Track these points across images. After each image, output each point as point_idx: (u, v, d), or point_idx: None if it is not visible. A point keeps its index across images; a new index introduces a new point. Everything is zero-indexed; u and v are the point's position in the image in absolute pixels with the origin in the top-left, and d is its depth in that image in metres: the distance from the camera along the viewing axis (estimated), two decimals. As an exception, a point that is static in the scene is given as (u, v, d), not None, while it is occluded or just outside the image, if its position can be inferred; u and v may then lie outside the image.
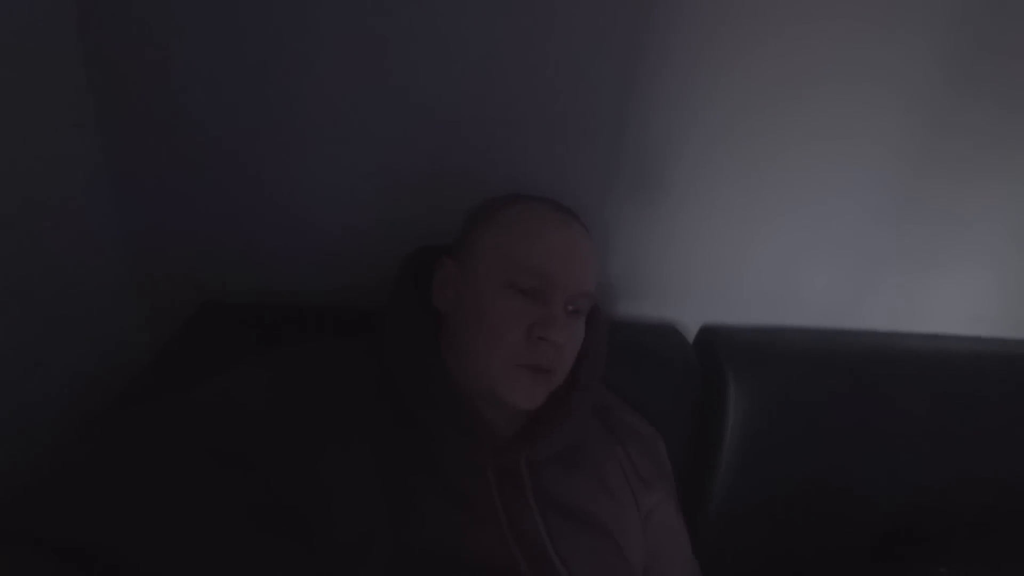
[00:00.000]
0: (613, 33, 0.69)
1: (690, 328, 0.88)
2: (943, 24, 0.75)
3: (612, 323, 0.66)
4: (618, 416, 0.65)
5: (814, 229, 0.85)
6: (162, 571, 0.40)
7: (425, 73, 0.68)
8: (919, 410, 0.83)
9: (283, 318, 0.69)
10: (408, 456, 0.50)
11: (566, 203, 0.59)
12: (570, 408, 0.56)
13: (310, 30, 0.64)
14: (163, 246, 0.73)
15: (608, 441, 0.61)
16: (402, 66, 0.67)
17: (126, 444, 0.45)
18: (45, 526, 0.39)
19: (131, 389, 0.61)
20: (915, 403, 0.83)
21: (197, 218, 0.72)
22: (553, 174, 0.75)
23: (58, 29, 0.60)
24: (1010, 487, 0.90)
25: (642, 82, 0.72)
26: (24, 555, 0.37)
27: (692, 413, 0.77)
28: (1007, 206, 0.89)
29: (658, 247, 0.82)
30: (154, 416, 0.47)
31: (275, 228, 0.73)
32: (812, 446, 0.80)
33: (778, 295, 0.88)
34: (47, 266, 0.61)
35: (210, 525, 0.42)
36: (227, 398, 0.48)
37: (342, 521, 0.45)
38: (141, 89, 0.65)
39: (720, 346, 0.80)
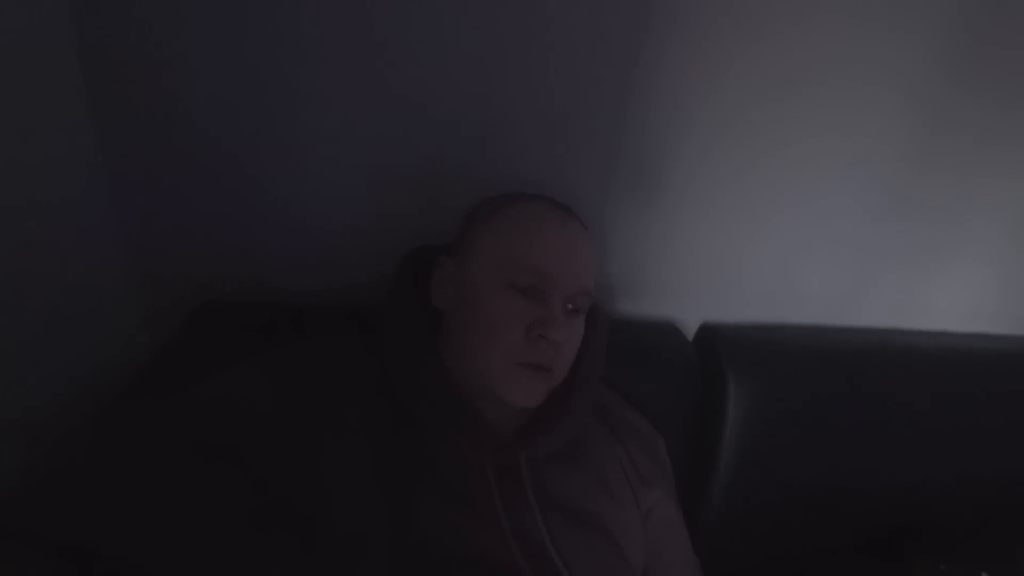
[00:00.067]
0: (611, 32, 0.69)
1: (690, 326, 0.88)
2: (941, 20, 0.75)
3: (612, 321, 0.66)
4: (618, 414, 0.65)
5: (813, 226, 0.85)
6: (162, 570, 0.40)
7: (424, 73, 0.68)
8: (918, 406, 0.84)
9: (282, 317, 0.69)
10: (407, 455, 0.50)
11: (565, 201, 0.59)
12: (570, 406, 0.56)
13: (309, 29, 0.64)
14: (162, 245, 0.73)
15: (608, 439, 0.61)
16: (401, 66, 0.67)
17: (126, 443, 0.45)
18: (46, 525, 0.39)
19: (131, 388, 0.61)
20: (914, 399, 0.83)
21: (196, 217, 0.72)
22: (552, 173, 0.75)
23: (55, 28, 0.60)
24: (1009, 483, 0.90)
25: (641, 80, 0.72)
26: (25, 554, 0.37)
27: (692, 411, 0.77)
28: (1006, 203, 0.90)
29: (657, 245, 0.82)
30: (154, 415, 0.47)
31: (274, 227, 0.73)
32: (812, 443, 0.80)
33: (777, 292, 0.88)
34: (46, 266, 0.61)
35: (210, 524, 0.42)
36: (226, 397, 0.48)
37: (341, 520, 0.45)
38: (139, 88, 0.65)
39: (720, 344, 0.80)
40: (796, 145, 0.79)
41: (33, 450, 0.57)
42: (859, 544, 0.86)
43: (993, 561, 0.76)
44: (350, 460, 0.48)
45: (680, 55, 0.71)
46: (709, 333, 0.84)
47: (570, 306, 0.53)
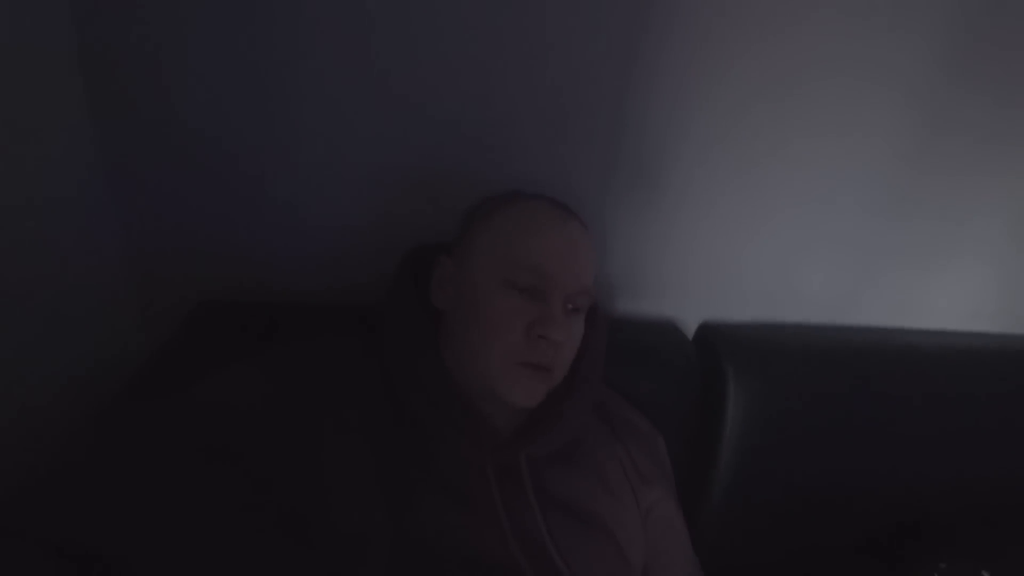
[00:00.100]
0: (611, 31, 0.69)
1: (689, 325, 0.88)
2: (941, 20, 0.75)
3: (611, 320, 0.66)
4: (618, 413, 0.65)
5: (813, 225, 0.85)
6: (162, 571, 0.40)
7: (424, 73, 0.68)
8: (918, 405, 0.84)
9: (281, 317, 0.69)
10: (407, 454, 0.50)
11: (565, 201, 0.59)
12: (569, 406, 0.56)
13: (307, 28, 0.64)
14: (160, 245, 0.72)
15: (608, 438, 0.61)
16: (401, 66, 0.67)
17: (126, 444, 0.45)
18: (45, 525, 0.39)
19: (129, 388, 0.61)
20: (914, 398, 0.84)
21: (194, 217, 0.71)
22: (552, 172, 0.75)
23: (55, 28, 0.60)
24: (1010, 482, 0.90)
25: (640, 80, 0.72)
26: (25, 554, 0.37)
27: (692, 410, 0.77)
28: (1005, 202, 0.90)
29: (657, 244, 0.82)
30: (153, 415, 0.47)
31: (273, 227, 0.73)
32: (811, 441, 0.80)
33: (777, 291, 0.88)
34: (44, 266, 0.61)
35: (209, 525, 0.42)
36: (226, 397, 0.48)
37: (341, 519, 0.45)
38: (139, 88, 0.65)
39: (719, 343, 0.80)
40: (796, 144, 0.79)
41: (32, 450, 0.57)
42: (859, 543, 0.86)
43: (993, 560, 0.76)
44: (350, 459, 0.48)
45: (679, 55, 0.71)
46: (709, 332, 0.84)
47: (570, 305, 0.53)
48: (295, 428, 0.47)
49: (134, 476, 0.42)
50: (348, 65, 0.66)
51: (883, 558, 0.83)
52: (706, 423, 0.78)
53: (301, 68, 0.66)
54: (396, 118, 0.70)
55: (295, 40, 0.65)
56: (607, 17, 0.68)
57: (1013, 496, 0.90)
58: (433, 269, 0.57)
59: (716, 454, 0.78)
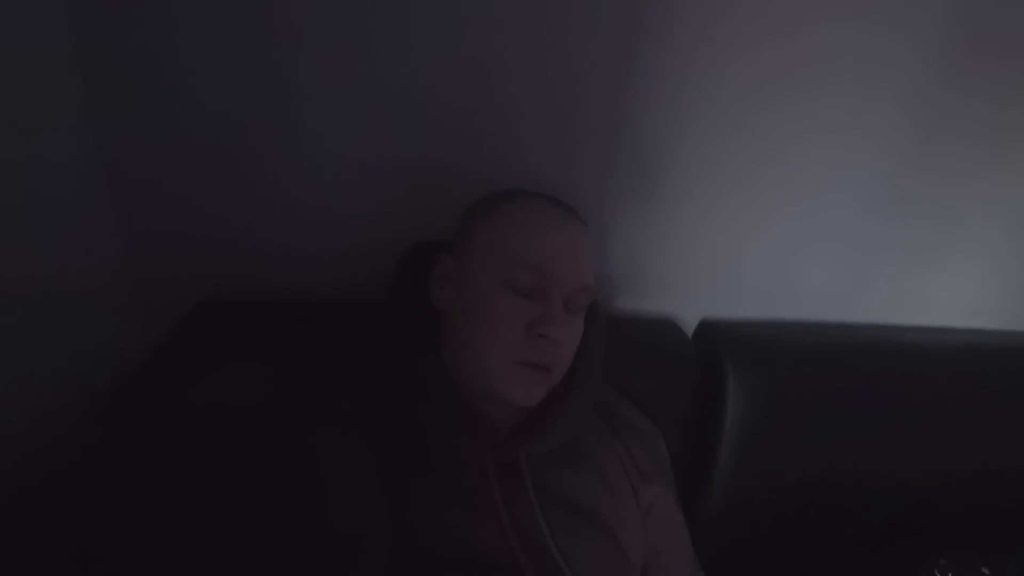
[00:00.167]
0: (608, 30, 0.69)
1: (689, 322, 0.88)
2: (940, 17, 0.75)
3: (611, 318, 0.66)
4: (617, 411, 0.65)
5: (812, 223, 0.85)
6: (162, 571, 0.40)
7: (422, 70, 0.68)
8: (918, 402, 0.84)
9: (281, 316, 0.69)
10: (407, 452, 0.50)
11: (564, 199, 0.58)
12: (569, 404, 0.56)
13: (305, 27, 0.64)
14: (159, 245, 0.72)
15: (607, 436, 0.61)
16: (401, 65, 0.67)
17: (125, 443, 0.45)
18: (45, 526, 0.39)
19: (129, 388, 0.61)
20: (914, 395, 0.84)
21: (193, 217, 0.71)
22: (551, 171, 0.75)
23: (53, 28, 0.60)
24: (1010, 478, 0.90)
25: (638, 78, 0.72)
26: (25, 554, 0.37)
27: (691, 407, 0.77)
28: (1005, 199, 0.89)
29: (656, 242, 0.82)
30: (153, 415, 0.47)
31: (272, 226, 0.73)
32: (811, 439, 0.80)
33: (776, 289, 0.88)
34: (44, 266, 0.61)
35: (210, 524, 0.42)
36: (226, 395, 0.48)
37: (341, 517, 0.45)
38: (138, 88, 0.65)
39: (719, 340, 0.80)
40: (794, 141, 0.79)
41: (32, 450, 0.57)
42: (859, 539, 0.86)
43: (993, 556, 0.76)
44: (349, 457, 0.48)
45: (677, 52, 0.71)
46: (708, 329, 0.84)
47: (571, 305, 0.53)
48: (294, 425, 0.47)
49: (134, 476, 0.42)
50: (347, 64, 0.66)
51: (883, 554, 0.83)
52: (706, 420, 0.78)
53: (300, 68, 0.66)
54: (395, 117, 0.69)
55: (295, 40, 0.65)
56: (605, 17, 0.68)
57: (1013, 492, 0.90)
58: (433, 267, 0.57)
59: (716, 451, 0.78)
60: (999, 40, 0.78)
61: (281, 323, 0.68)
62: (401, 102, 0.69)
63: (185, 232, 0.72)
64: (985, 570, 0.74)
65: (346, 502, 0.46)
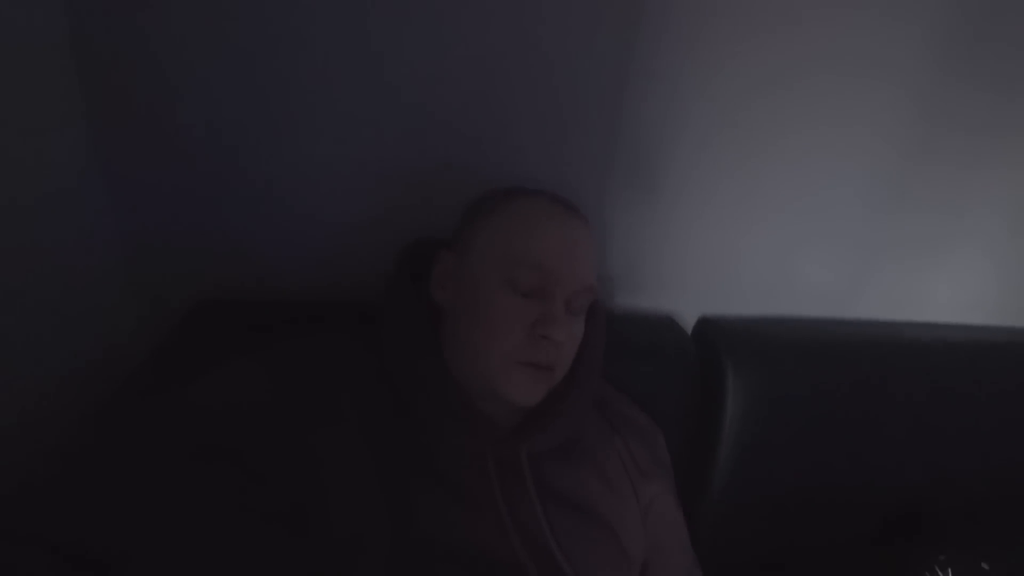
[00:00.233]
0: (607, 30, 0.69)
1: (688, 320, 0.88)
2: (939, 13, 0.75)
3: (610, 315, 0.66)
4: (617, 409, 0.65)
5: (811, 219, 0.85)
6: (162, 571, 0.40)
7: (421, 69, 0.68)
8: (917, 399, 0.84)
9: (280, 315, 0.69)
10: (407, 450, 0.50)
11: (564, 196, 0.58)
12: (569, 402, 0.56)
13: (304, 25, 0.64)
14: (158, 244, 0.72)
15: (607, 434, 0.61)
16: (401, 65, 0.67)
17: (125, 443, 0.45)
18: (45, 526, 0.39)
19: (128, 388, 0.61)
20: (914, 392, 0.84)
21: (192, 215, 0.71)
22: (550, 169, 0.75)
23: (51, 27, 0.59)
24: (1009, 474, 0.90)
25: (637, 76, 0.72)
26: (24, 554, 0.37)
27: (691, 405, 0.77)
28: (1004, 194, 0.89)
29: (656, 240, 0.82)
30: (152, 414, 0.47)
31: (271, 224, 0.73)
32: (810, 436, 0.80)
33: (776, 286, 0.88)
34: (41, 265, 0.61)
35: (209, 523, 0.42)
36: (225, 394, 0.48)
37: (340, 515, 0.45)
38: (136, 87, 0.64)
39: (718, 337, 0.80)
40: (793, 138, 0.78)
41: (32, 450, 0.57)
42: (858, 535, 0.86)
43: (993, 552, 0.76)
44: (349, 457, 0.48)
45: (675, 50, 0.71)
46: (708, 327, 0.84)
47: (572, 304, 0.53)
48: (294, 423, 0.47)
49: (133, 475, 0.42)
50: (347, 63, 0.66)
51: (883, 551, 0.83)
52: (705, 417, 0.78)
53: (300, 67, 0.66)
54: (395, 117, 0.69)
55: (295, 39, 0.64)
56: (604, 15, 0.68)
57: (1013, 488, 0.90)
58: (433, 264, 0.57)
59: (715, 448, 0.78)
60: (999, 36, 0.78)
61: (281, 322, 0.68)
62: (401, 101, 0.69)
63: (185, 231, 0.72)
64: (985, 566, 0.74)
65: (346, 501, 0.46)
